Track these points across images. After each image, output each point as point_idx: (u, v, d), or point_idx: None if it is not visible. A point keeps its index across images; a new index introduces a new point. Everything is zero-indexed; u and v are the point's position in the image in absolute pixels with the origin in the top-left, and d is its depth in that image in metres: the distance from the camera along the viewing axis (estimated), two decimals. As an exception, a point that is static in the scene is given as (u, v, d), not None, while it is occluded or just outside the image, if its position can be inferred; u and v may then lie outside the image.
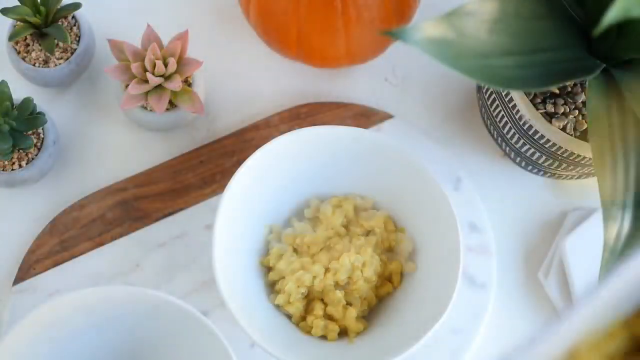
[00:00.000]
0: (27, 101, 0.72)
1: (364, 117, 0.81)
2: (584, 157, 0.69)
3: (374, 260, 0.71)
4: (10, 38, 0.75)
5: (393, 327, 0.70)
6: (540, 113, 0.69)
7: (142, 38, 0.74)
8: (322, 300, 0.72)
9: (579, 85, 0.71)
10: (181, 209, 0.78)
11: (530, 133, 0.70)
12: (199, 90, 0.76)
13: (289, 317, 0.72)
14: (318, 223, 0.74)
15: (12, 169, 0.74)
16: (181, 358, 0.66)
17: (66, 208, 0.77)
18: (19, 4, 0.74)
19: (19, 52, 0.77)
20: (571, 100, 0.70)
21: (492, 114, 0.75)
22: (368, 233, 0.74)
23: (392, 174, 0.73)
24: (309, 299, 0.72)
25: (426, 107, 0.83)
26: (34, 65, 0.76)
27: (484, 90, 0.75)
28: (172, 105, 0.76)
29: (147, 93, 0.73)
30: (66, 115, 0.80)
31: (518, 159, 0.77)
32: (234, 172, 0.70)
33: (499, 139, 0.77)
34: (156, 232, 0.77)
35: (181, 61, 0.74)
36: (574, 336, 0.36)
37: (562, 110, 0.70)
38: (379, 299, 0.73)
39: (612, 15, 0.48)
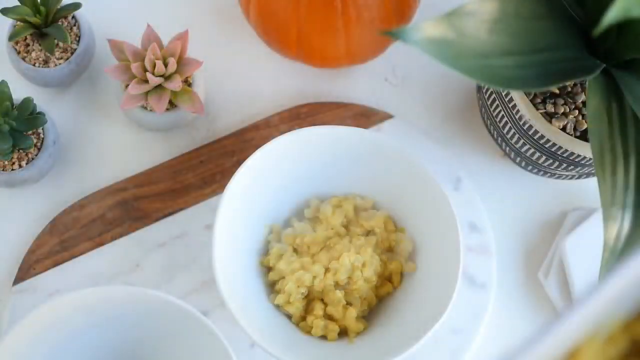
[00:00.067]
0: (27, 101, 0.72)
1: (364, 117, 0.81)
2: (584, 157, 0.69)
3: (374, 260, 0.71)
4: (10, 38, 0.75)
5: (393, 327, 0.70)
6: (540, 113, 0.69)
7: (142, 38, 0.74)
8: (322, 300, 0.72)
9: (579, 85, 0.71)
10: (181, 209, 0.78)
11: (530, 133, 0.70)
12: (199, 90, 0.76)
13: (289, 317, 0.72)
14: (318, 223, 0.74)
15: (12, 169, 0.74)
16: (181, 358, 0.66)
17: (66, 208, 0.77)
18: (19, 4, 0.74)
19: (19, 52, 0.77)
20: (571, 100, 0.70)
21: (492, 114, 0.75)
22: (368, 233, 0.74)
23: (392, 174, 0.73)
24: (309, 299, 0.72)
25: (426, 107, 0.83)
26: (34, 65, 0.76)
27: (484, 90, 0.75)
28: (172, 105, 0.76)
29: (147, 93, 0.73)
30: (66, 115, 0.80)
31: (518, 159, 0.77)
32: (234, 172, 0.70)
33: (499, 139, 0.77)
34: (156, 232, 0.77)
35: (181, 61, 0.74)
36: (573, 337, 0.36)
37: (562, 110, 0.70)
38: (379, 299, 0.73)
39: (612, 15, 0.48)
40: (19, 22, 0.76)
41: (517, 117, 0.70)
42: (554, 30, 0.62)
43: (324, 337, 0.71)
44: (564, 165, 0.72)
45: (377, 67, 0.83)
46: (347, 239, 0.72)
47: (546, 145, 0.70)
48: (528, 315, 0.77)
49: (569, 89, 0.71)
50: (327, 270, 0.71)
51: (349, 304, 0.72)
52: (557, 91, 0.70)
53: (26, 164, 0.74)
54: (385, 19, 0.74)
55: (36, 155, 0.74)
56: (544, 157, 0.72)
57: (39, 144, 0.75)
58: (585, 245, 0.76)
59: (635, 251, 0.59)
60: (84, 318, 0.65)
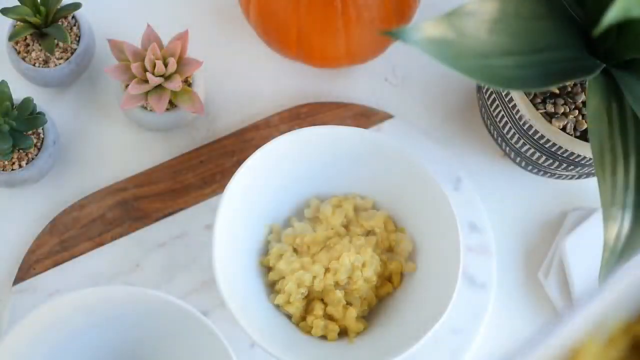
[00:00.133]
0: (27, 101, 0.72)
1: (364, 117, 0.81)
2: (584, 157, 0.69)
3: (374, 260, 0.71)
4: (10, 38, 0.75)
5: (393, 327, 0.70)
6: (540, 113, 0.69)
7: (142, 38, 0.74)
8: (322, 300, 0.72)
9: (579, 85, 0.71)
10: (181, 209, 0.78)
11: (530, 133, 0.70)
12: (199, 90, 0.76)
13: (289, 317, 0.72)
14: (318, 223, 0.74)
15: (12, 169, 0.74)
16: (181, 358, 0.66)
17: (66, 208, 0.77)
18: (19, 4, 0.74)
19: (19, 52, 0.77)
20: (571, 100, 0.70)
21: (492, 114, 0.75)
22: (368, 233, 0.74)
23: (392, 174, 0.73)
24: (309, 299, 0.72)
25: (426, 107, 0.83)
26: (34, 65, 0.76)
27: (484, 90, 0.75)
28: (172, 105, 0.76)
29: (147, 93, 0.73)
30: (66, 115, 0.80)
31: (518, 159, 0.77)
32: (234, 172, 0.70)
33: (499, 139, 0.77)
34: (156, 232, 0.77)
35: (181, 61, 0.74)
36: (574, 338, 0.36)
37: (562, 110, 0.70)
38: (379, 299, 0.73)
39: (612, 15, 0.48)
40: (19, 22, 0.76)
41: (517, 117, 0.70)
42: (554, 30, 0.62)
43: (324, 337, 0.71)
44: (564, 165, 0.72)
45: (377, 67, 0.83)
46: (347, 239, 0.72)
47: (546, 145, 0.70)
48: (528, 315, 0.77)
49: (569, 89, 0.71)
50: (327, 270, 0.71)
51: (349, 304, 0.72)
52: (557, 91, 0.70)
53: (26, 164, 0.74)
54: (385, 19, 0.74)
55: (36, 155, 0.74)
56: (544, 157, 0.72)
57: (39, 144, 0.75)
58: (585, 245, 0.76)
59: (635, 251, 0.59)
60: (84, 318, 0.65)
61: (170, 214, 0.77)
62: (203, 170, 0.79)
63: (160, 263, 0.76)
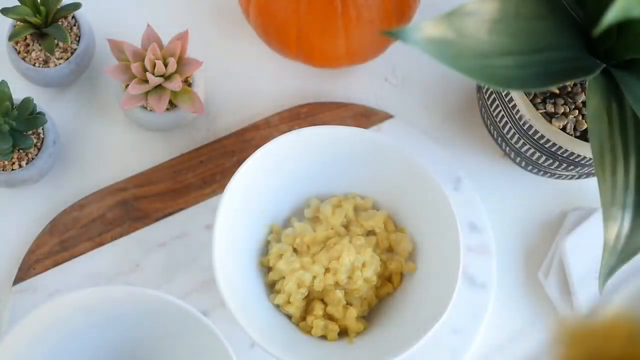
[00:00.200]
0: (27, 101, 0.72)
1: (364, 117, 0.81)
2: (584, 157, 0.69)
3: (374, 260, 0.71)
4: (10, 38, 0.75)
5: (393, 327, 0.70)
6: (540, 113, 0.69)
7: (142, 38, 0.74)
8: (322, 300, 0.72)
9: (579, 85, 0.71)
10: (181, 209, 0.78)
11: (530, 133, 0.70)
12: (199, 90, 0.76)
13: (289, 317, 0.72)
14: (318, 223, 0.74)
15: (12, 169, 0.74)
16: (181, 358, 0.66)
17: (66, 208, 0.77)
18: (19, 4, 0.74)
19: (19, 52, 0.77)
20: (571, 100, 0.70)
21: (492, 114, 0.75)
22: (368, 233, 0.74)
23: (392, 174, 0.73)
24: (309, 299, 0.72)
25: (426, 107, 0.83)
26: (34, 65, 0.76)
27: (484, 90, 0.75)
28: (172, 105, 0.76)
29: (147, 93, 0.73)
30: (66, 115, 0.80)
31: (518, 159, 0.77)
32: (234, 172, 0.70)
33: (499, 139, 0.77)
34: (156, 232, 0.77)
35: (181, 61, 0.74)
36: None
37: (562, 110, 0.70)
38: (379, 299, 0.73)
39: (612, 15, 0.48)
40: (19, 22, 0.76)
41: (517, 117, 0.70)
42: (554, 30, 0.62)
43: (324, 337, 0.71)
44: (564, 165, 0.72)
45: (377, 67, 0.83)
46: (347, 239, 0.72)
47: (546, 145, 0.70)
48: (528, 315, 0.77)
49: (569, 89, 0.71)
50: (327, 270, 0.71)
51: (349, 304, 0.72)
52: (557, 91, 0.70)
53: (26, 164, 0.74)
54: (385, 19, 0.74)
55: (36, 155, 0.74)
56: (544, 157, 0.72)
57: (39, 144, 0.75)
58: (585, 245, 0.76)
59: (635, 251, 0.60)
60: (84, 318, 0.65)
61: (170, 214, 0.77)
62: (203, 170, 0.79)
63: (160, 263, 0.76)
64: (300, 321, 0.72)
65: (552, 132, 0.69)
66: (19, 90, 0.79)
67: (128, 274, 0.76)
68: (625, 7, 0.48)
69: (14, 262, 0.76)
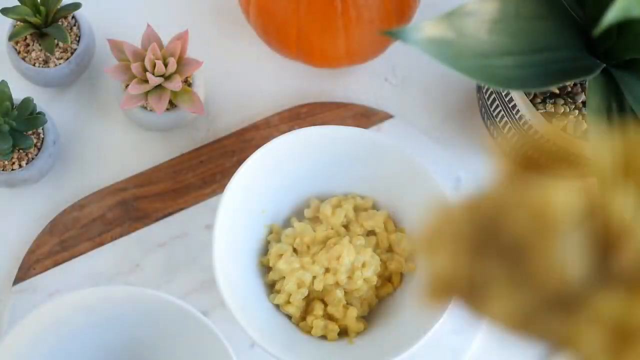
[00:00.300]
0: (27, 101, 0.72)
1: (364, 117, 0.81)
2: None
3: (374, 260, 0.71)
4: (10, 38, 0.75)
5: (393, 327, 0.70)
6: (540, 113, 0.69)
7: (142, 38, 0.74)
8: (322, 300, 0.72)
9: (579, 85, 0.71)
10: (181, 209, 0.78)
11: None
12: (199, 90, 0.76)
13: (289, 317, 0.72)
14: (318, 223, 0.74)
15: (12, 169, 0.74)
16: (181, 358, 0.66)
17: (66, 208, 0.77)
18: (19, 4, 0.74)
19: (19, 52, 0.77)
20: (571, 100, 0.70)
21: (492, 114, 0.75)
22: (368, 233, 0.74)
23: (392, 174, 0.73)
24: (309, 299, 0.72)
25: (426, 107, 0.83)
26: (34, 65, 0.76)
27: (484, 90, 0.75)
28: (172, 105, 0.76)
29: (147, 93, 0.73)
30: (66, 115, 0.80)
31: (518, 159, 0.77)
32: (234, 172, 0.70)
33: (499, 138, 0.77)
34: (156, 232, 0.77)
35: (181, 61, 0.74)
36: None
37: (562, 110, 0.70)
38: (379, 299, 0.73)
39: (612, 15, 0.48)
40: (19, 22, 0.76)
41: (517, 117, 0.70)
42: (554, 30, 0.62)
43: (324, 337, 0.71)
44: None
45: (377, 67, 0.83)
46: (347, 239, 0.72)
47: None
48: (528, 315, 0.77)
49: (569, 89, 0.71)
50: (327, 270, 0.71)
51: (349, 304, 0.72)
52: (557, 91, 0.70)
53: (26, 164, 0.74)
54: (385, 19, 0.74)
55: (36, 155, 0.74)
56: (544, 157, 0.72)
57: (39, 144, 0.75)
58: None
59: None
60: (84, 318, 0.65)
61: (170, 214, 0.77)
62: (203, 170, 0.79)
63: (160, 263, 0.76)
64: (300, 321, 0.72)
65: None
66: (19, 90, 0.79)
67: (128, 274, 0.76)
68: (625, 7, 0.48)
69: (14, 262, 0.76)
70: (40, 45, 0.77)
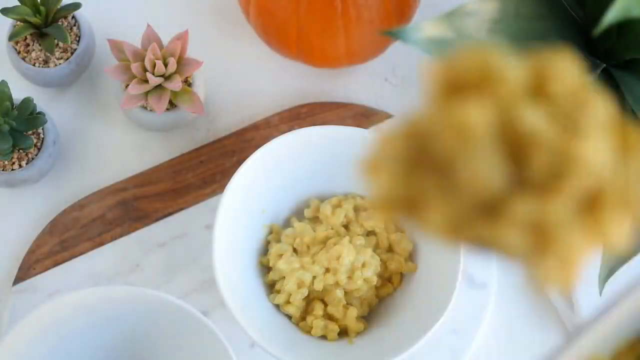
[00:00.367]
0: (27, 101, 0.72)
1: (364, 117, 0.81)
2: (584, 157, 0.69)
3: (374, 260, 0.71)
4: (10, 38, 0.75)
5: (393, 327, 0.70)
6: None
7: (142, 38, 0.74)
8: (322, 300, 0.72)
9: (579, 85, 0.71)
10: (181, 209, 0.78)
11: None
12: (199, 90, 0.76)
13: (289, 317, 0.72)
14: (318, 223, 0.74)
15: (12, 169, 0.74)
16: (181, 358, 0.67)
17: (66, 208, 0.77)
18: (19, 4, 0.74)
19: (19, 52, 0.77)
20: (571, 100, 0.70)
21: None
22: (368, 233, 0.74)
23: (392, 174, 0.73)
24: (309, 299, 0.72)
25: (426, 107, 0.83)
26: (34, 65, 0.76)
27: (484, 90, 0.75)
28: (172, 105, 0.76)
29: (147, 93, 0.73)
30: (66, 115, 0.80)
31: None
32: (234, 172, 0.70)
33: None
34: (156, 232, 0.77)
35: (181, 61, 0.74)
36: (581, 357, 0.36)
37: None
38: (379, 299, 0.73)
39: (612, 15, 0.48)
40: (19, 22, 0.76)
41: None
42: (554, 30, 0.62)
43: (324, 337, 0.71)
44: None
45: (377, 67, 0.83)
46: (347, 239, 0.72)
47: (546, 145, 0.70)
48: (528, 315, 0.77)
49: (569, 89, 0.71)
50: (327, 270, 0.71)
51: (349, 304, 0.72)
52: (557, 91, 0.70)
53: (26, 164, 0.74)
54: (385, 19, 0.74)
55: (36, 155, 0.74)
56: (544, 157, 0.72)
57: (39, 144, 0.75)
58: (585, 245, 0.75)
59: (635, 252, 0.59)
60: (84, 318, 0.65)
61: (170, 214, 0.77)
62: (203, 170, 0.79)
63: (160, 263, 0.76)
64: (300, 321, 0.72)
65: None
66: (19, 90, 0.79)
67: (128, 274, 0.76)
68: (625, 7, 0.48)
69: (14, 262, 0.76)
70: (40, 45, 0.77)
